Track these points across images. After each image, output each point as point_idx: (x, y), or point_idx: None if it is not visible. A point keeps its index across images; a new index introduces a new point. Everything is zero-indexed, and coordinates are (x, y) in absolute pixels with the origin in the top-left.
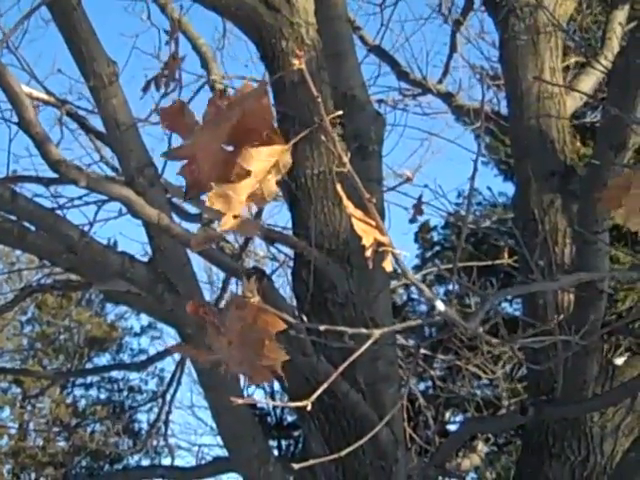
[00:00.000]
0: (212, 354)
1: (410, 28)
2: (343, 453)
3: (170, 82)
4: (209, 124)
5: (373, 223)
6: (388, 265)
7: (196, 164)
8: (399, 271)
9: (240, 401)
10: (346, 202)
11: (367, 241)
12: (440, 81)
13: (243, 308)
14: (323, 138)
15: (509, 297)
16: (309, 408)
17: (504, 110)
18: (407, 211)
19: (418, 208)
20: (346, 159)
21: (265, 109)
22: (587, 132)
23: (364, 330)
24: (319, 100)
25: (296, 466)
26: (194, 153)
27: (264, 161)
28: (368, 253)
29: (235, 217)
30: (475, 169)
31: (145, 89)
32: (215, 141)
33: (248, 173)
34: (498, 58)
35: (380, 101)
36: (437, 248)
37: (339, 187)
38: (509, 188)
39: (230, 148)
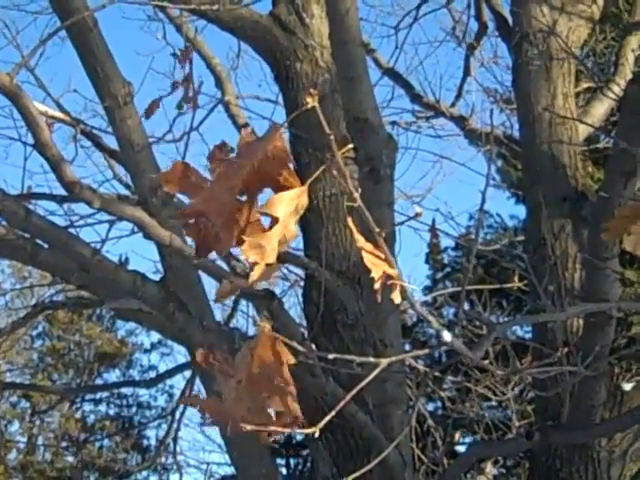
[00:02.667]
0: (221, 404)
1: (424, 51)
2: (352, 477)
3: (184, 103)
4: (220, 176)
5: (382, 256)
6: (397, 297)
7: (204, 221)
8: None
9: (249, 427)
10: (357, 236)
11: (376, 274)
12: (453, 104)
13: (253, 345)
14: (335, 173)
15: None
16: (317, 435)
17: (516, 134)
18: (416, 232)
19: (434, 232)
20: (357, 194)
21: (282, 152)
22: (600, 156)
23: (372, 359)
24: (332, 138)
25: None
26: (204, 209)
27: (287, 206)
28: (377, 285)
29: (269, 265)
30: (483, 200)
31: (148, 114)
32: (229, 193)
33: (276, 220)
34: (511, 83)
35: (393, 123)
36: (448, 269)
37: (350, 220)
38: (520, 211)
39: (244, 198)
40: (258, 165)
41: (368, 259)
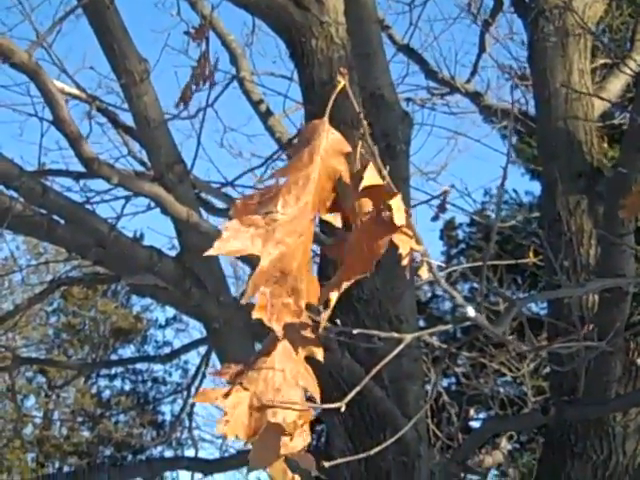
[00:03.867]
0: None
1: (439, 27)
2: (372, 452)
3: (201, 80)
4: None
5: (410, 232)
6: (423, 273)
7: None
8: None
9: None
10: None
11: (404, 250)
12: (468, 80)
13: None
14: (363, 151)
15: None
16: (343, 409)
17: (532, 110)
18: (431, 208)
19: (442, 206)
20: (385, 172)
21: (340, 144)
22: (615, 133)
23: (396, 334)
24: (361, 117)
25: (327, 464)
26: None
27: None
28: (405, 262)
29: None
30: (504, 177)
31: (180, 103)
32: (303, 215)
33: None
34: (527, 59)
35: (408, 100)
36: (462, 246)
37: None
38: (536, 187)
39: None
40: (322, 170)
41: (396, 235)
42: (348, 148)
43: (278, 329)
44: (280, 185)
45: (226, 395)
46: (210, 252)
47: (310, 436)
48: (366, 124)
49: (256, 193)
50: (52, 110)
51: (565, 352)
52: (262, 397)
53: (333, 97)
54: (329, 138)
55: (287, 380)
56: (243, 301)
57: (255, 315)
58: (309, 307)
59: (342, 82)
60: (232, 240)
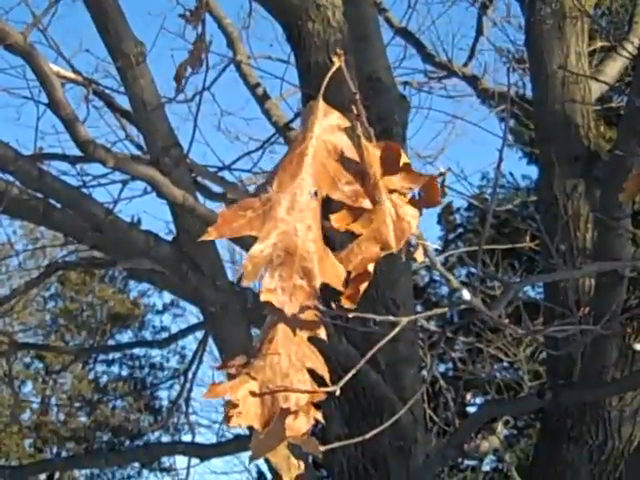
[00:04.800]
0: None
1: (436, 10)
2: (368, 436)
3: (197, 63)
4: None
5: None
6: (419, 256)
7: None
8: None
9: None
10: None
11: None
12: (466, 64)
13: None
14: (360, 131)
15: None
16: (338, 393)
17: (529, 94)
18: None
19: (441, 188)
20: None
21: (342, 121)
22: (613, 116)
23: (392, 318)
24: (357, 97)
25: (322, 448)
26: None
27: None
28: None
29: None
30: (500, 159)
31: (178, 80)
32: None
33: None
34: (524, 42)
35: (405, 83)
36: (460, 230)
37: None
38: (533, 171)
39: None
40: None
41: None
42: (347, 123)
43: (294, 310)
44: (276, 168)
45: (235, 387)
46: (205, 237)
47: (315, 417)
48: (361, 105)
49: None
50: (47, 92)
51: (561, 335)
52: (271, 384)
53: (328, 77)
54: (326, 115)
55: (293, 364)
56: (244, 283)
57: (263, 298)
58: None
59: (337, 62)
60: (229, 224)
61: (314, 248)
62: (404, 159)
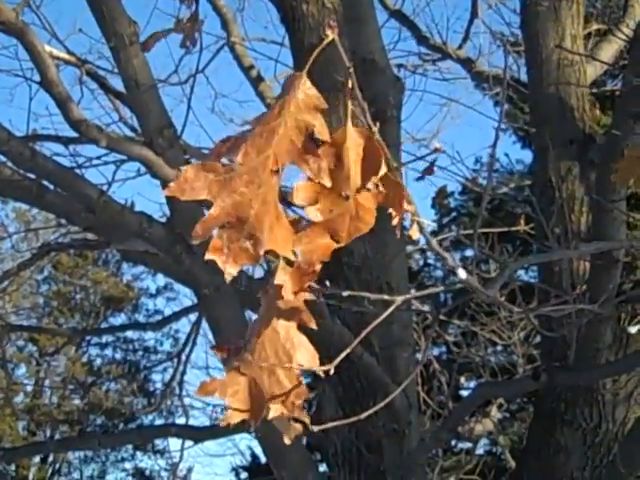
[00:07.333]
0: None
1: None
2: (362, 416)
3: (189, 43)
4: (248, 151)
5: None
6: (414, 233)
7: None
8: (420, 238)
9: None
10: None
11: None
12: (460, 47)
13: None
14: (352, 107)
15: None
16: (331, 373)
17: (524, 77)
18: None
19: (429, 169)
20: (375, 128)
21: (315, 99)
22: (607, 101)
23: (386, 297)
24: (351, 71)
25: (315, 428)
26: (233, 205)
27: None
28: (395, 221)
29: None
30: (496, 138)
31: (146, 47)
32: (261, 168)
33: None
34: (519, 24)
35: (400, 66)
36: (454, 214)
37: None
38: (527, 155)
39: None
40: (291, 121)
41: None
42: (324, 105)
43: (233, 272)
44: (247, 135)
45: (224, 385)
46: (166, 193)
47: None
48: (355, 79)
49: (231, 138)
50: (40, 71)
51: (556, 315)
52: (258, 380)
53: (319, 49)
54: (304, 92)
55: (280, 359)
56: (194, 242)
57: (208, 256)
58: (269, 253)
59: (331, 36)
60: (190, 183)
61: (267, 220)
62: (383, 168)
